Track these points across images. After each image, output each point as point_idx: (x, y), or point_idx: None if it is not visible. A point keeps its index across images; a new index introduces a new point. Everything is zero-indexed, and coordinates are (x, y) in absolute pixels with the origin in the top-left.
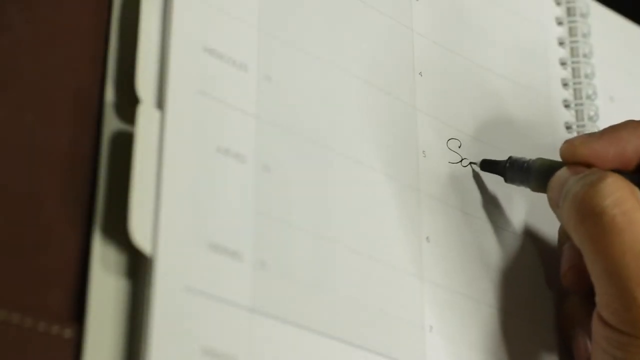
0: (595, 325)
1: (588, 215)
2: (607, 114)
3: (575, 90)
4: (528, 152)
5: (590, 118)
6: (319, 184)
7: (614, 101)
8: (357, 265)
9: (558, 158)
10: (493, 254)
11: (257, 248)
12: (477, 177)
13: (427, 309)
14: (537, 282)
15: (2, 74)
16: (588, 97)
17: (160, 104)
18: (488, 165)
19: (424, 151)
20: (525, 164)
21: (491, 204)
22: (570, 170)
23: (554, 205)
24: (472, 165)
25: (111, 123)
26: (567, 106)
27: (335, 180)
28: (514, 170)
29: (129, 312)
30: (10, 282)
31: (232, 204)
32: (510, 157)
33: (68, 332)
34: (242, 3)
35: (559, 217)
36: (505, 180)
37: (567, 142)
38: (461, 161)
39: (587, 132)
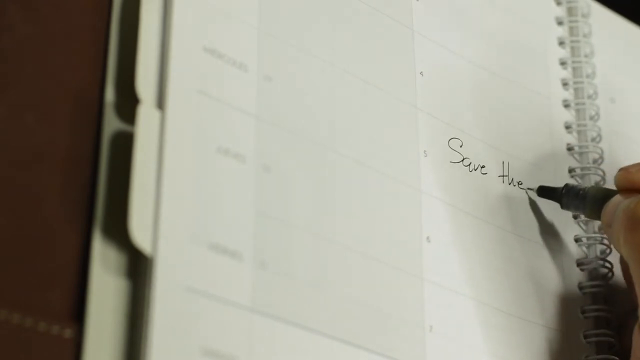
0: (635, 337)
1: (639, 223)
2: (608, 115)
3: (576, 90)
4: (527, 152)
5: (592, 118)
6: (319, 184)
7: (615, 102)
8: (357, 265)
9: (557, 157)
10: (493, 254)
11: (257, 248)
12: (478, 178)
13: (427, 309)
14: (536, 282)
15: (2, 74)
16: (589, 97)
17: (161, 104)
18: (544, 191)
19: (425, 151)
20: (581, 192)
21: (492, 204)
22: (624, 195)
23: (607, 227)
24: (529, 191)
25: (111, 123)
26: (566, 106)
27: (335, 180)
28: (569, 197)
29: (129, 312)
30: (10, 282)
31: (232, 204)
32: (566, 185)
33: (68, 332)
34: (242, 3)
35: (610, 237)
36: (562, 207)
37: (623, 170)
38: (462, 161)
39: (588, 131)
